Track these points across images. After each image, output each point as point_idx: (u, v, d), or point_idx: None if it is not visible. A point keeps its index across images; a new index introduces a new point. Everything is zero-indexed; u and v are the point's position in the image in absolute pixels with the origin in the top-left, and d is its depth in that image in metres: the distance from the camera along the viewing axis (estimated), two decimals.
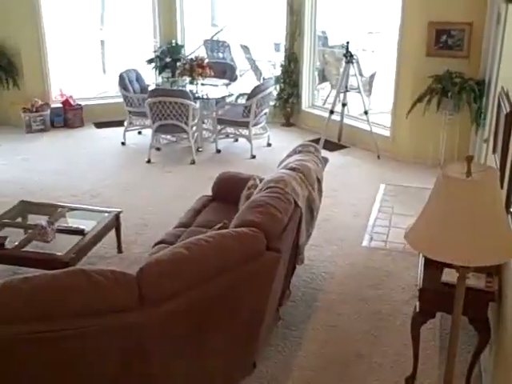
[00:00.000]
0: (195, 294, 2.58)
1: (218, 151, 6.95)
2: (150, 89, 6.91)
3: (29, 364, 2.38)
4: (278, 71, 7.95)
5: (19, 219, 4.59)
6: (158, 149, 6.97)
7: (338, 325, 3.74)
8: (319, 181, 3.91)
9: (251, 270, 2.79)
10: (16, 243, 4.04)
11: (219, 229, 3.16)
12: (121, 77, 7.17)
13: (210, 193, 4.61)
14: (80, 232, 4.18)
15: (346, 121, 7.17)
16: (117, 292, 2.42)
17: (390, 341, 3.57)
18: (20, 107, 7.72)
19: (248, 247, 2.81)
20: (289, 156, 4.05)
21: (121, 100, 7.40)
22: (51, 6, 7.99)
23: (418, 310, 3.11)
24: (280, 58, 8.18)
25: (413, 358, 3.15)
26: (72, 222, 4.45)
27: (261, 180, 3.96)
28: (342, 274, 4.34)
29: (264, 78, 8.33)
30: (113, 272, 2.48)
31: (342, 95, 6.96)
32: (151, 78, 7.96)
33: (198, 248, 2.68)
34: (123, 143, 7.24)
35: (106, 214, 4.51)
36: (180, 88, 6.87)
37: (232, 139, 7.31)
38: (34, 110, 7.73)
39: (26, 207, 4.68)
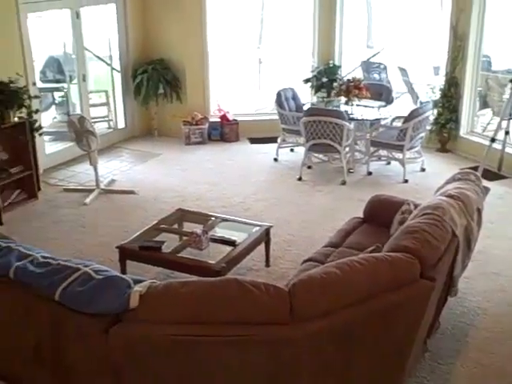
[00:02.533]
0: (345, 315, 2.55)
1: (370, 173, 6.86)
2: (305, 108, 6.99)
3: (176, 365, 2.48)
4: (437, 95, 7.72)
5: (175, 226, 4.81)
6: (310, 167, 7.02)
7: (490, 364, 3.52)
8: (479, 211, 3.72)
9: (403, 297, 2.71)
10: (172, 248, 4.25)
11: (371, 252, 3.11)
12: (278, 94, 7.32)
13: (360, 215, 4.55)
14: (231, 243, 4.30)
15: (509, 150, 6.79)
16: (269, 305, 2.45)
17: None
18: (181, 120, 8.13)
19: (402, 273, 2.74)
20: (447, 183, 3.90)
21: (276, 117, 7.55)
22: (214, 24, 8.35)
23: None
24: (439, 81, 7.93)
25: None
26: (224, 232, 4.58)
27: (415, 205, 3.86)
28: (498, 312, 4.08)
29: (421, 102, 8.13)
30: (265, 285, 2.52)
31: (505, 122, 6.61)
32: (307, 97, 8.05)
33: (350, 269, 2.66)
34: (276, 159, 7.37)
35: (257, 228, 4.60)
36: (335, 108, 6.88)
37: (384, 162, 7.19)
38: (194, 123, 8.10)
39: (182, 215, 4.90)
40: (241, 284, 2.46)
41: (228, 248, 4.30)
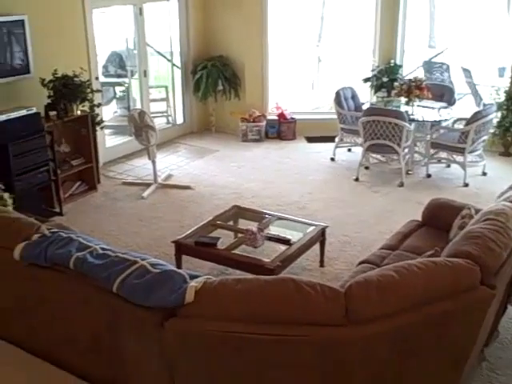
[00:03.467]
0: (401, 319, 2.50)
1: (429, 176, 6.72)
2: (364, 107, 6.91)
3: (229, 362, 2.48)
4: (501, 97, 7.50)
5: (231, 222, 4.82)
6: (367, 168, 6.94)
7: None
8: None
9: (462, 304, 2.63)
10: (227, 245, 4.27)
11: (430, 256, 3.04)
12: (337, 94, 7.26)
13: (417, 218, 4.46)
14: (287, 242, 4.29)
15: None
16: (324, 306, 2.42)
17: None
18: (238, 117, 8.16)
19: (461, 279, 2.66)
20: (511, 188, 3.78)
21: (333, 116, 7.49)
22: (275, 21, 8.34)
23: None
24: (504, 83, 7.71)
25: None
26: (279, 231, 4.56)
27: (476, 210, 3.75)
28: None
29: (484, 104, 7.91)
30: (321, 285, 2.49)
31: None
32: (366, 97, 7.96)
33: (408, 273, 2.60)
34: (332, 159, 7.31)
35: (313, 228, 4.57)
36: (395, 108, 6.77)
37: (444, 165, 7.03)
38: (252, 120, 8.12)
39: (238, 212, 4.92)
40: (297, 284, 2.44)
41: (283, 247, 4.30)
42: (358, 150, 7.02)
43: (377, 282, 2.53)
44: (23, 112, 5.45)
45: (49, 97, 5.88)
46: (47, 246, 2.74)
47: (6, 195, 4.21)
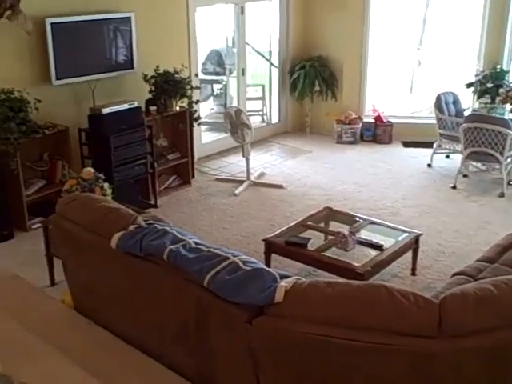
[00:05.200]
0: (496, 337, 2.38)
1: None
2: (466, 113, 6.67)
3: (315, 364, 2.45)
4: None
5: (322, 224, 4.78)
6: (466, 176, 6.69)
7: None
8: None
9: None
10: (317, 246, 4.23)
11: None
12: (438, 98, 7.04)
13: None
14: (378, 247, 4.20)
15: None
16: (416, 316, 2.35)
17: None
18: (334, 118, 8.09)
19: None
20: None
21: (432, 121, 7.29)
22: (376, 23, 8.19)
23: None
24: None
25: None
26: (370, 235, 4.48)
27: None
28: None
29: None
30: (414, 295, 2.42)
31: None
32: (468, 103, 7.68)
33: (508, 289, 2.47)
34: (429, 165, 7.11)
35: (406, 234, 4.45)
36: (500, 116, 6.49)
37: None
38: (347, 122, 8.02)
39: (329, 214, 4.87)
40: (389, 291, 2.38)
41: (373, 252, 4.21)
42: (457, 157, 6.79)
43: (474, 295, 2.42)
44: (125, 106, 5.64)
45: (150, 92, 6.06)
46: (143, 237, 2.80)
47: (106, 185, 4.36)
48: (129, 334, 3.05)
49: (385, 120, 8.11)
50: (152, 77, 6.02)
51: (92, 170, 4.38)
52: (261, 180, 6.69)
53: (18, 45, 5.27)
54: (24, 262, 4.68)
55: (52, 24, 5.29)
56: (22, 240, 5.16)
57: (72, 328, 3.13)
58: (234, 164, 7.20)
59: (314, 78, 7.94)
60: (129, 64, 6.04)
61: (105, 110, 5.46)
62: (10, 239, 5.16)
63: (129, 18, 5.92)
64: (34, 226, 5.30)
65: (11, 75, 5.21)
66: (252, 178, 6.61)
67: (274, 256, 4.39)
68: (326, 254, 4.16)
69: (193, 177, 6.62)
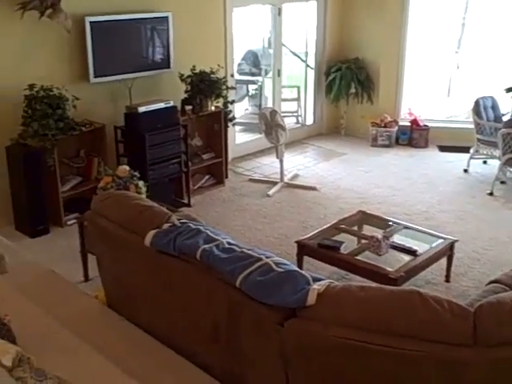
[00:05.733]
0: None
1: None
2: (505, 119, 6.55)
3: (345, 369, 2.43)
4: None
5: (355, 227, 4.75)
6: (503, 182, 6.56)
7: None
8: None
9: None
10: (350, 250, 4.20)
11: None
12: (476, 102, 6.93)
13: None
14: (412, 252, 4.15)
15: None
16: (451, 324, 2.31)
17: None
18: (369, 121, 8.03)
19: None
20: None
21: (470, 126, 7.18)
22: (414, 25, 8.11)
23: None
24: None
25: None
26: (404, 240, 4.43)
27: None
28: None
29: None
30: (449, 302, 2.38)
31: None
32: (507, 108, 7.54)
33: None
34: (466, 170, 7.00)
35: (441, 240, 4.39)
36: None
37: None
38: (383, 125, 7.96)
39: (363, 217, 4.83)
40: (423, 298, 2.34)
41: (407, 257, 4.16)
42: (495, 163, 6.67)
43: (510, 304, 2.38)
44: (161, 105, 5.68)
45: (186, 91, 6.09)
46: (176, 236, 2.82)
47: (141, 183, 4.40)
48: (160, 332, 3.07)
49: (421, 124, 8.02)
50: (188, 76, 6.06)
51: (127, 167, 4.43)
52: (294, 181, 6.67)
53: (57, 43, 5.36)
54: (59, 257, 4.75)
55: (91, 22, 5.36)
56: (58, 235, 5.23)
57: (105, 324, 3.16)
58: (267, 165, 7.20)
59: (350, 80, 7.90)
60: (165, 63, 6.08)
61: (141, 109, 5.51)
62: (45, 234, 5.24)
63: (166, 18, 5.96)
64: (69, 222, 5.38)
65: (51, 72, 5.30)
66: (285, 179, 6.60)
67: (306, 258, 4.37)
68: (359, 257, 4.12)
69: (226, 177, 6.64)
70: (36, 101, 4.94)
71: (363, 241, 4.42)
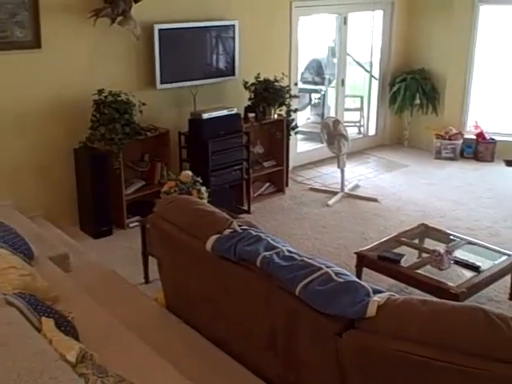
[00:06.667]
0: None
1: None
2: None
3: (401, 383, 2.39)
4: None
5: (416, 240, 4.66)
6: None
7: None
8: None
9: None
10: (411, 263, 4.13)
11: None
12: None
13: None
14: (475, 268, 4.04)
15: None
16: None
17: None
18: (433, 133, 7.88)
19: None
20: None
21: None
22: (483, 36, 7.92)
23: None
24: None
25: None
26: (466, 256, 4.31)
27: None
28: None
29: None
30: None
31: None
32: None
33: None
34: None
35: (505, 257, 4.26)
36: None
37: None
38: (447, 137, 7.80)
39: (424, 231, 4.74)
40: (487, 315, 2.28)
41: (469, 273, 4.06)
42: None
43: None
44: (225, 112, 5.74)
45: (249, 99, 6.14)
46: (237, 242, 2.84)
47: (203, 189, 4.45)
48: (216, 336, 3.10)
49: (487, 137, 7.82)
50: (252, 84, 6.11)
51: (190, 173, 4.49)
52: (355, 192, 6.61)
53: (126, 49, 5.49)
54: (121, 258, 4.85)
55: (160, 30, 5.48)
56: (120, 237, 5.35)
57: (164, 326, 3.22)
58: (328, 174, 7.17)
59: (415, 91, 7.78)
60: (230, 71, 6.15)
61: (205, 115, 5.58)
62: (108, 235, 5.36)
63: (233, 26, 6.03)
64: (131, 225, 5.49)
65: (119, 78, 5.44)
66: (346, 189, 6.55)
67: (365, 270, 4.32)
68: (420, 271, 4.05)
69: (287, 185, 6.64)
70: (104, 105, 5.08)
71: (424, 254, 4.34)
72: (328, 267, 2.58)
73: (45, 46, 4.98)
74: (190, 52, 5.86)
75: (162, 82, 5.63)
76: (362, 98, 8.82)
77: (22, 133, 5.07)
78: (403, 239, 4.53)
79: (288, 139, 6.53)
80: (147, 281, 4.49)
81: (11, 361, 2.05)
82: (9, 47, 4.84)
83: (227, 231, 2.96)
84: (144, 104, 5.27)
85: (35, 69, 5.02)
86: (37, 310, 2.45)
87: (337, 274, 2.54)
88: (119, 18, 5.14)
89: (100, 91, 5.11)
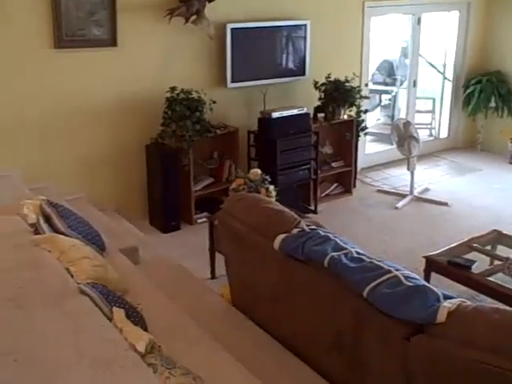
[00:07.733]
0: None
1: None
2: None
3: None
4: None
5: (488, 247, 4.53)
6: None
7: None
8: None
9: None
10: (482, 270, 4.02)
11: None
12: None
13: None
14: None
15: None
16: None
17: None
18: (508, 137, 7.63)
19: None
20: None
21: None
22: None
23: None
24: None
25: None
26: None
27: None
28: None
29: None
30: None
31: None
32: None
33: None
34: None
35: None
36: None
37: None
38: None
39: (497, 237, 4.60)
40: None
41: None
42: None
43: None
44: (294, 111, 5.74)
45: (319, 99, 6.12)
46: (305, 241, 2.83)
47: (272, 187, 4.46)
48: (281, 335, 3.10)
49: None
50: (322, 84, 6.08)
51: (259, 171, 4.50)
52: (424, 195, 6.49)
53: (199, 48, 5.57)
54: (188, 253, 4.92)
55: (232, 29, 5.53)
56: (188, 233, 5.43)
57: (229, 322, 3.24)
58: (396, 177, 7.06)
59: (490, 94, 7.56)
60: (301, 70, 6.14)
61: (274, 114, 5.60)
62: (176, 230, 5.46)
63: (305, 26, 6.02)
64: (199, 221, 5.56)
65: (191, 76, 5.52)
66: (415, 192, 6.43)
67: (433, 275, 4.23)
68: (492, 279, 3.93)
69: (354, 186, 6.58)
70: (176, 103, 5.17)
71: (496, 262, 4.22)
72: (397, 270, 2.54)
73: (120, 44, 5.12)
74: (261, 51, 5.89)
75: (232, 81, 5.68)
76: (433, 99, 8.64)
77: (97, 128, 5.22)
78: (475, 245, 4.41)
79: (357, 140, 6.47)
80: (213, 276, 4.55)
81: (84, 347, 2.11)
82: (86, 45, 4.99)
83: (295, 230, 2.96)
84: (214, 102, 5.33)
85: (111, 66, 5.16)
86: (108, 300, 2.51)
87: (406, 277, 2.49)
88: (193, 17, 5.21)
89: (172, 88, 5.20)
